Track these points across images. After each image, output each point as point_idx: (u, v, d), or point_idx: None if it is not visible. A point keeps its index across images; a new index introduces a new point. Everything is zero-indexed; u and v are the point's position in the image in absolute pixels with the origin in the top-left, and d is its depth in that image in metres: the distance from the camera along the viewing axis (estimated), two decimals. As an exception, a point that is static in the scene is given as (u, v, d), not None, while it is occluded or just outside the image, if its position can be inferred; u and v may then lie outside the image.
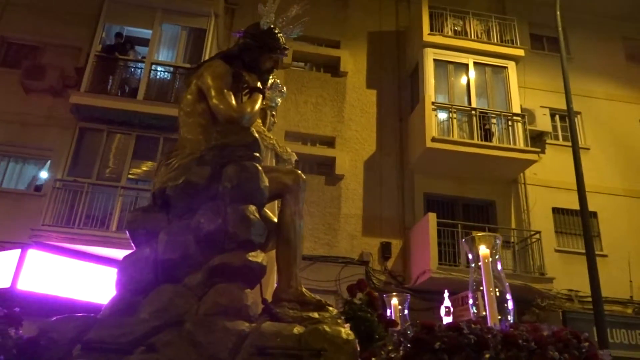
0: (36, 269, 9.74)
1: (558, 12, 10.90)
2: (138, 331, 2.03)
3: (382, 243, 12.25)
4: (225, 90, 2.97)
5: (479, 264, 2.49)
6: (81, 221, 10.65)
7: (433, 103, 12.56)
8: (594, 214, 12.35)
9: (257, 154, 2.90)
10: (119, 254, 10.62)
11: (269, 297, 2.68)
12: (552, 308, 11.30)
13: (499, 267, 2.49)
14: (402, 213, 12.64)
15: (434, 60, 13.15)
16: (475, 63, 13.36)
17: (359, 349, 2.27)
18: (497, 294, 2.35)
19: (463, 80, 13.35)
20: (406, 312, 3.28)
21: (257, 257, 2.48)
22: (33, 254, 9.85)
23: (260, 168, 2.79)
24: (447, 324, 2.11)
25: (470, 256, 2.59)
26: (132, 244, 2.65)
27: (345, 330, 2.29)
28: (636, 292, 12.21)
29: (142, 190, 11.51)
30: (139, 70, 12.15)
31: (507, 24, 13.98)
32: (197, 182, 2.66)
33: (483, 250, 2.44)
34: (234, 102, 2.97)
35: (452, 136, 12.37)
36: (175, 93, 12.10)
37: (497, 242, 2.57)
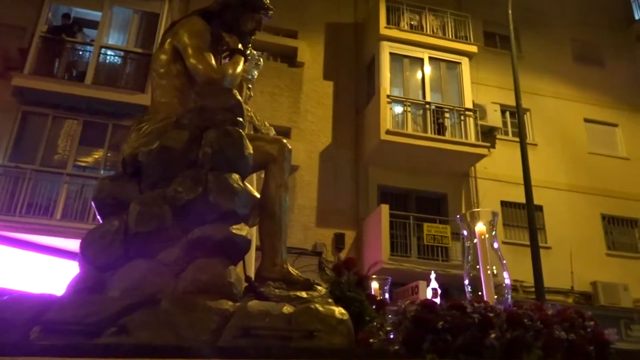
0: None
1: (510, 11, 11.18)
2: (107, 311, 1.82)
3: (335, 234, 12.30)
4: (204, 49, 2.74)
5: (474, 241, 2.35)
6: (23, 209, 10.21)
7: (388, 96, 12.67)
8: (540, 208, 12.80)
9: (240, 119, 2.61)
10: (64, 243, 10.33)
11: (250, 275, 2.46)
12: (497, 298, 11.62)
13: (496, 244, 2.37)
14: (356, 204, 12.73)
15: (390, 53, 13.25)
16: (430, 58, 13.55)
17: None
18: (494, 272, 2.25)
19: (418, 74, 13.52)
20: (387, 295, 3.12)
21: (241, 230, 2.26)
22: (-30, 242, 9.37)
23: (244, 134, 2.54)
24: (449, 303, 1.96)
25: (465, 233, 2.44)
26: (99, 217, 2.39)
27: (339, 310, 2.10)
28: (577, 283, 12.77)
29: (90, 177, 11.14)
30: (88, 54, 11.71)
31: (461, 21, 14.24)
32: (174, 147, 2.39)
33: (480, 227, 2.32)
34: (213, 62, 2.75)
35: (407, 129, 12.53)
36: (125, 78, 11.73)
37: (495, 218, 2.44)
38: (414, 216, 11.89)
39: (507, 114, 14.49)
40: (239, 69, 2.84)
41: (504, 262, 2.28)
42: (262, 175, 2.93)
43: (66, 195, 10.70)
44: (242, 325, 1.89)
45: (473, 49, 13.87)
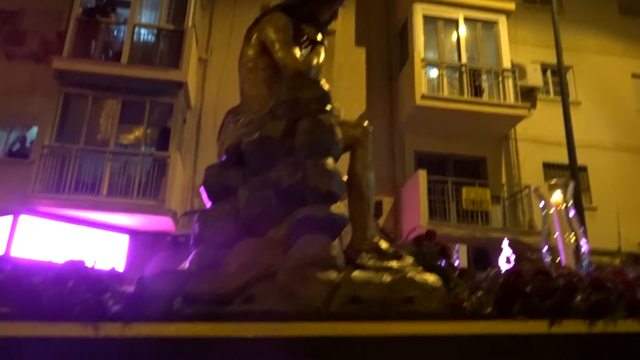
0: (29, 236, 9.79)
1: (549, -38, 10.66)
2: (235, 283, 2.11)
3: (373, 202, 12.30)
4: (290, 43, 2.94)
5: (551, 211, 2.47)
6: (71, 187, 10.66)
7: (422, 60, 12.41)
8: (584, 168, 12.41)
9: (329, 107, 2.86)
10: (110, 218, 10.76)
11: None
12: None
13: (572, 213, 2.51)
14: (393, 171, 12.67)
15: (423, 16, 12.92)
16: (465, 18, 13.14)
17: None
18: (572, 240, 2.35)
19: (453, 36, 13.15)
20: (457, 262, 3.18)
21: (339, 208, 2.53)
22: (25, 220, 9.88)
23: (334, 121, 2.79)
24: (535, 269, 2.17)
25: (542, 203, 2.60)
26: (207, 200, 2.64)
27: (433, 278, 2.32)
28: (624, 244, 12.39)
29: (131, 154, 11.50)
30: (122, 33, 11.93)
31: (497, -23, 13.68)
32: (273, 136, 2.66)
33: (557, 196, 2.43)
34: (299, 54, 2.94)
35: (442, 93, 12.29)
36: (160, 55, 11.92)
37: (571, 187, 2.56)
38: (452, 181, 11.76)
39: (548, 72, 13.96)
40: (322, 59, 3.04)
41: (582, 229, 2.38)
42: None
43: (110, 172, 11.09)
44: (349, 293, 2.15)
45: (510, 6, 13.34)
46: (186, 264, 2.42)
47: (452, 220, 11.34)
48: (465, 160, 12.92)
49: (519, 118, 12.48)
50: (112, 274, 1.86)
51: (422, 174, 11.48)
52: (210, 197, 2.61)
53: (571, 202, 2.51)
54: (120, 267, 10.86)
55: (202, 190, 2.63)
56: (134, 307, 1.84)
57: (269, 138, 2.64)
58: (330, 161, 2.63)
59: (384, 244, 2.70)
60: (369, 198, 2.84)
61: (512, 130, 13.03)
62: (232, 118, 2.93)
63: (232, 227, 2.41)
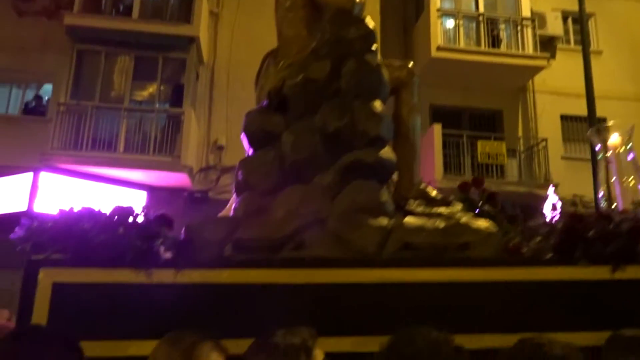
0: (50, 192, 10.00)
1: None
2: (284, 230, 2.08)
3: (387, 156, 12.27)
4: None
5: (608, 154, 2.33)
6: (88, 144, 10.77)
7: (438, 10, 12.04)
8: (603, 120, 12.13)
9: (375, 47, 2.68)
10: (128, 174, 10.91)
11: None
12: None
13: (631, 156, 2.38)
14: (408, 126, 12.53)
15: (440, -37, 12.44)
16: (483, -36, 12.63)
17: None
18: (632, 184, 2.25)
19: (470, -16, 12.68)
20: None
21: (388, 153, 2.43)
22: (45, 177, 10.07)
23: (380, 62, 2.63)
24: (596, 214, 2.10)
25: (597, 147, 2.46)
26: (248, 147, 2.54)
27: (487, 223, 2.26)
28: (642, 197, 12.26)
29: (146, 111, 11.54)
30: (132, -13, 11.71)
31: None
32: (317, 78, 2.51)
33: (614, 138, 2.31)
34: None
35: (459, 44, 11.99)
36: (170, 10, 11.74)
37: (631, 131, 2.42)
38: (468, 134, 11.63)
39: (569, 20, 13.48)
40: None
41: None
42: None
43: (126, 129, 11.16)
44: (402, 239, 2.10)
45: (531, -50, 12.76)
46: (231, 211, 2.39)
47: (467, 175, 11.27)
48: (481, 114, 12.72)
49: (538, 69, 12.17)
50: (161, 220, 1.84)
51: (437, 128, 11.36)
52: (251, 144, 2.51)
53: (630, 144, 2.37)
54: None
55: (242, 137, 2.54)
56: (185, 254, 1.84)
57: (313, 80, 2.49)
58: (378, 104, 2.50)
59: (430, 190, 2.63)
60: (415, 143, 2.74)
61: (530, 81, 12.73)
62: (271, 61, 2.79)
63: (277, 174, 2.34)
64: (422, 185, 2.69)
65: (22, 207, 9.80)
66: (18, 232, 1.80)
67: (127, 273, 1.75)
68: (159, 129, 11.33)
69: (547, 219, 2.24)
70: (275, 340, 1.54)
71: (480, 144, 11.46)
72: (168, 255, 1.81)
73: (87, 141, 10.76)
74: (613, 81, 12.71)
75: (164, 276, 1.77)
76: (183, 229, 2.05)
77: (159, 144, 11.13)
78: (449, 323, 1.60)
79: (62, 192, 10.11)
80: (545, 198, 11.24)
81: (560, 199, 11.66)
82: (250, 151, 2.51)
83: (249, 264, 1.88)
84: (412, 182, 2.66)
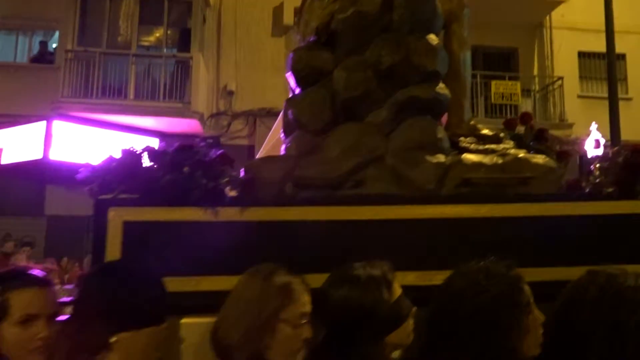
0: (63, 140, 10.01)
1: None
2: (343, 168, 2.06)
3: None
4: None
5: None
6: (98, 91, 10.69)
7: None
8: (622, 56, 11.86)
9: None
10: (139, 121, 10.87)
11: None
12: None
13: None
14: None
15: None
16: None
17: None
18: None
19: None
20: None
21: (443, 89, 2.36)
22: (58, 125, 10.05)
23: None
24: None
25: None
26: (295, 85, 2.46)
27: (546, 159, 2.23)
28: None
29: (154, 57, 11.35)
30: None
31: None
32: (369, 11, 2.37)
33: None
34: None
35: (474, -21, 11.52)
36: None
37: None
38: (481, 74, 11.40)
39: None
40: None
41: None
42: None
43: (135, 76, 11.02)
44: (461, 176, 2.09)
45: None
46: (282, 150, 2.36)
47: (480, 116, 11.15)
48: (495, 53, 12.41)
49: (556, 3, 11.77)
50: (223, 159, 1.83)
51: (451, 68, 11.11)
52: (299, 82, 2.43)
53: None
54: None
55: (289, 75, 2.46)
56: (249, 192, 1.85)
57: (364, 13, 2.36)
58: (433, 37, 2.40)
59: (480, 127, 2.58)
60: (466, 78, 2.66)
61: (548, 17, 12.33)
62: None
63: (329, 112, 2.28)
64: (472, 122, 2.63)
65: (37, 155, 9.85)
66: (83, 173, 1.79)
67: (194, 211, 1.77)
68: (167, 74, 11.19)
69: (594, 155, 2.19)
70: (356, 272, 1.56)
71: (494, 84, 11.27)
72: (232, 193, 1.81)
73: (97, 89, 10.67)
74: (633, 15, 12.30)
75: (230, 214, 1.79)
76: (242, 169, 2.05)
77: (168, 90, 11.03)
78: (509, 258, 1.60)
79: (75, 140, 10.12)
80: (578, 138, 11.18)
81: (575, 138, 11.60)
82: (297, 90, 2.44)
83: (312, 202, 1.90)
84: (462, 119, 2.59)
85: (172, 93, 11.02)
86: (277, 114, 12.11)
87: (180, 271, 1.61)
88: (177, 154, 1.79)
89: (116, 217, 1.73)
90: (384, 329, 1.52)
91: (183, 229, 1.77)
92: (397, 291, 1.57)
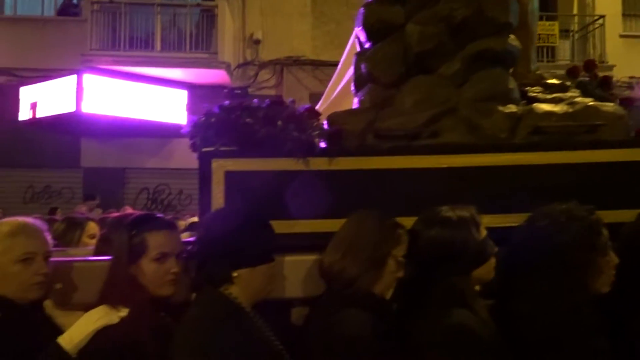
0: (94, 93, 10.11)
1: None
2: (419, 119, 2.16)
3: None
4: None
5: None
6: (126, 43, 10.68)
7: None
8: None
9: None
10: (167, 73, 10.88)
11: None
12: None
13: None
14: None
15: None
16: None
17: None
18: None
19: None
20: None
21: (514, 40, 2.41)
22: (89, 78, 10.13)
23: None
24: None
25: None
26: (366, 39, 2.51)
27: (615, 107, 2.29)
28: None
29: (179, 6, 11.21)
30: None
31: None
32: None
33: None
34: None
35: None
36: None
37: None
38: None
39: None
40: None
41: None
42: None
43: (161, 27, 10.95)
44: (532, 124, 2.18)
45: None
46: (355, 103, 2.46)
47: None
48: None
49: None
50: (311, 113, 1.96)
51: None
52: (370, 37, 2.48)
53: None
54: (183, 122, 11.27)
55: (359, 30, 2.51)
56: (336, 143, 1.99)
57: None
58: None
59: (546, 76, 2.63)
60: (533, 28, 2.70)
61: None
62: None
63: (401, 66, 2.36)
64: (538, 72, 2.68)
65: (70, 108, 9.98)
66: (186, 127, 1.94)
67: (287, 162, 1.91)
68: (193, 24, 11.08)
69: None
70: (445, 214, 1.71)
71: None
72: (321, 144, 1.96)
73: (124, 40, 10.66)
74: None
75: (320, 164, 1.94)
76: (326, 121, 2.16)
77: (194, 40, 10.96)
78: (580, 202, 1.74)
79: (106, 93, 10.22)
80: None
81: (616, 81, 11.21)
82: (368, 45, 2.49)
83: (393, 152, 2.03)
84: (529, 69, 2.65)
85: (199, 43, 10.96)
86: (303, 63, 12.08)
87: (276, 215, 1.75)
88: (270, 109, 1.91)
89: (219, 168, 1.88)
90: (472, 265, 1.68)
91: (277, 177, 1.92)
92: (483, 232, 1.72)
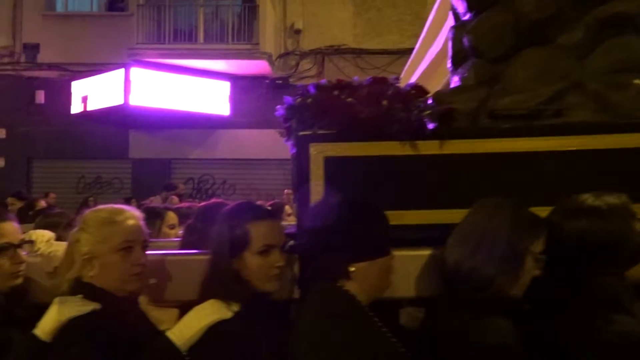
0: (141, 86, 10.25)
1: None
2: (540, 96, 1.94)
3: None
4: None
5: None
6: (170, 36, 10.79)
7: None
8: None
9: None
10: (210, 64, 10.93)
11: None
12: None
13: None
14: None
15: None
16: None
17: None
18: None
19: None
20: None
21: None
22: (136, 71, 10.28)
23: None
24: None
25: None
26: (465, 10, 2.29)
27: None
28: None
29: (222, -2, 11.27)
30: None
31: None
32: None
33: None
34: None
35: None
36: None
37: None
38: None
39: None
40: None
41: None
42: None
43: (204, 19, 11.02)
44: None
45: None
46: (453, 82, 2.23)
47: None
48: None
49: None
50: (419, 91, 1.76)
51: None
52: (472, 6, 2.24)
53: None
54: (227, 113, 11.36)
55: (457, 0, 2.30)
56: (447, 124, 1.79)
57: None
58: None
59: None
60: None
61: None
62: None
63: (511, 37, 2.10)
64: None
65: (118, 101, 10.16)
66: (280, 110, 1.79)
67: (392, 145, 1.73)
68: (235, 16, 11.11)
69: None
70: (593, 202, 1.49)
71: None
72: (432, 126, 1.74)
73: (169, 33, 10.77)
74: None
75: (430, 148, 1.74)
76: (431, 99, 1.93)
77: (236, 31, 10.98)
78: None
79: (152, 86, 10.35)
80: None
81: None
82: (468, 16, 2.25)
83: (512, 133, 1.81)
84: None
85: (241, 35, 10.98)
86: (344, 52, 11.92)
87: (382, 205, 1.56)
88: (372, 87, 1.73)
89: (318, 153, 1.71)
90: (629, 261, 1.46)
91: (383, 163, 1.74)
92: (639, 224, 1.48)
